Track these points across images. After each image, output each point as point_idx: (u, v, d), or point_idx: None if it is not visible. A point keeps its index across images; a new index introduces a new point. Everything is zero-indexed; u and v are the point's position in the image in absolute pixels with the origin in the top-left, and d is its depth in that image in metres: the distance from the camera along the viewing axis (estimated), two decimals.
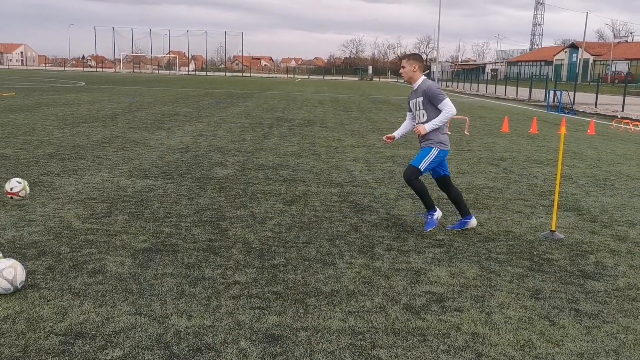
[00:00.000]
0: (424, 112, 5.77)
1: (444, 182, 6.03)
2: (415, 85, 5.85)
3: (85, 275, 4.41)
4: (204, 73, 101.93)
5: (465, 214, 6.03)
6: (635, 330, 3.81)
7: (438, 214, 5.95)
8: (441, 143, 5.77)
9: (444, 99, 5.67)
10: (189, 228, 5.77)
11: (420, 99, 5.75)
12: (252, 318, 3.78)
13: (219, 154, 10.61)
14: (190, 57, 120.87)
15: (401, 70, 5.92)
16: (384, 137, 6.16)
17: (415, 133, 5.85)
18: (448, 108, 5.66)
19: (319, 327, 3.68)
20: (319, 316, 3.84)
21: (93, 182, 7.78)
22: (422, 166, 5.76)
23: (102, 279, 4.35)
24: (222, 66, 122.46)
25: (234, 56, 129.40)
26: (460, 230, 6.02)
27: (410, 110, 6.05)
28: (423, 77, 5.86)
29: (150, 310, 3.83)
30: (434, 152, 5.75)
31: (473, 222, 6.05)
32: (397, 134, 6.15)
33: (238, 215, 6.33)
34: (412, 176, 5.78)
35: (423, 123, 5.77)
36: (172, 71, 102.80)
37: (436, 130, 5.75)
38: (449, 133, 15.29)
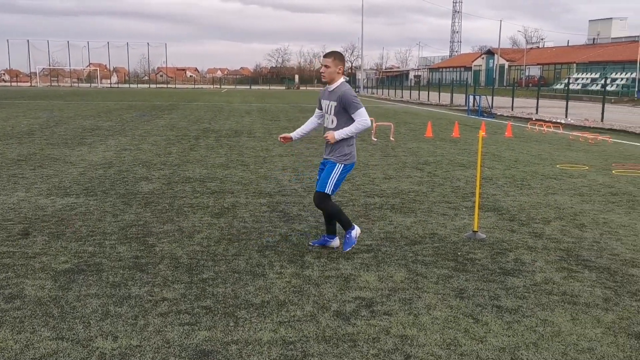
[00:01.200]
0: (334, 118, 5.30)
1: None
2: (333, 87, 5.33)
3: (1, 301, 4.19)
4: (126, 85, 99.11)
5: (332, 232, 5.65)
6: (553, 322, 4.02)
7: (357, 231, 5.51)
8: (345, 157, 5.33)
9: (360, 107, 5.22)
10: (113, 246, 5.59)
11: (334, 103, 5.28)
12: (182, 335, 3.71)
13: (144, 168, 10.36)
14: (111, 69, 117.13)
15: (323, 70, 5.31)
16: (279, 137, 5.68)
17: (325, 138, 5.40)
18: (362, 119, 5.21)
19: (250, 340, 3.66)
20: (249, 328, 3.82)
21: (9, 203, 7.40)
22: (329, 189, 5.34)
23: (20, 304, 4.15)
24: (146, 78, 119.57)
25: (158, 67, 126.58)
26: (387, 235, 6.16)
27: (321, 109, 5.55)
28: (342, 80, 5.35)
29: (73, 334, 3.68)
30: (338, 170, 5.34)
31: (336, 242, 5.66)
32: (295, 134, 5.68)
33: (165, 230, 6.20)
34: (322, 201, 5.38)
35: (333, 130, 5.32)
36: (92, 84, 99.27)
37: (343, 141, 5.31)
38: (375, 140, 15.59)
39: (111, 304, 4.18)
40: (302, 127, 5.75)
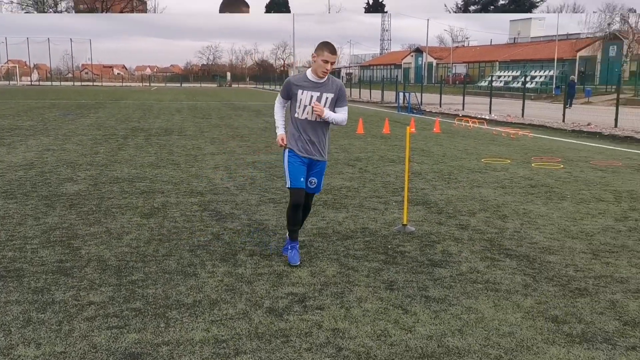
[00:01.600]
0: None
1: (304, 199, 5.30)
2: (324, 79, 5.06)
3: None
4: (49, 83, 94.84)
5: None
6: (477, 309, 4.19)
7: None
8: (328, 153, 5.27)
9: (347, 104, 5.21)
10: (35, 250, 5.37)
11: (331, 95, 5.06)
12: (109, 338, 3.62)
13: (69, 169, 9.98)
14: (32, 66, 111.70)
15: (330, 67, 5.00)
16: (280, 143, 5.19)
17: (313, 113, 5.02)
18: (346, 115, 5.18)
19: (181, 340, 3.62)
20: (181, 329, 3.78)
21: None
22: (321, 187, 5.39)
23: None
24: (70, 75, 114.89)
25: (83, 64, 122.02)
26: (319, 231, 6.22)
27: (288, 98, 5.18)
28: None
29: None
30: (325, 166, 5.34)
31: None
32: (283, 129, 5.27)
33: (91, 232, 6.01)
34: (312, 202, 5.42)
35: (320, 122, 5.10)
36: (11, 82, 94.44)
37: (328, 135, 5.24)
38: None
39: (33, 310, 4.02)
40: (280, 119, 5.30)
